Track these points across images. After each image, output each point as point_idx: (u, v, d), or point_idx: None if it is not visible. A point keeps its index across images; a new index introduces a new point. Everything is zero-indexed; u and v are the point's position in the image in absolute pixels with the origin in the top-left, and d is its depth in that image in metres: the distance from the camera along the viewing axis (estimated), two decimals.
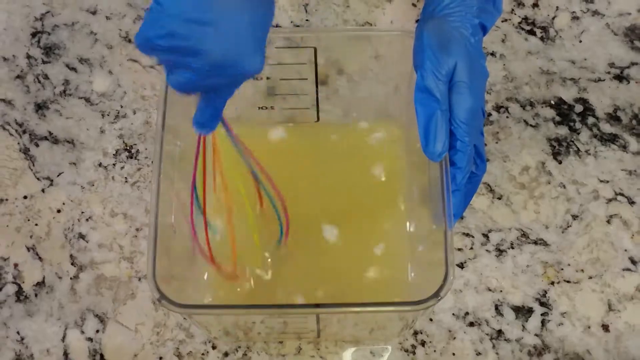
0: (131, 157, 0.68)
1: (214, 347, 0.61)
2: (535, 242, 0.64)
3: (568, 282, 0.63)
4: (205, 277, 0.60)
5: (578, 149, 0.68)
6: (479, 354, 0.61)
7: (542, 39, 0.73)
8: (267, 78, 0.61)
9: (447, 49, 0.51)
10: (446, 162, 0.51)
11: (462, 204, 0.54)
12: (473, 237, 0.65)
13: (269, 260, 0.60)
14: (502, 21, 0.74)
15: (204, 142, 0.49)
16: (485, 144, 0.68)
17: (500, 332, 0.62)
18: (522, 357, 0.61)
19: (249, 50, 0.41)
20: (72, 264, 0.64)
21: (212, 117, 0.46)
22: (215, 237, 0.55)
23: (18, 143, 0.69)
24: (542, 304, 0.62)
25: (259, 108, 0.63)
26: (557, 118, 0.69)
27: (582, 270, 0.64)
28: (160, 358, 0.61)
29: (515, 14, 0.74)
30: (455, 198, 0.52)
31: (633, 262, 0.64)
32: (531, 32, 0.73)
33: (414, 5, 0.75)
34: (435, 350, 0.61)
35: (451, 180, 0.51)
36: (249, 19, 0.41)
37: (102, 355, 0.61)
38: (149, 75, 0.71)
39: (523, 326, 0.62)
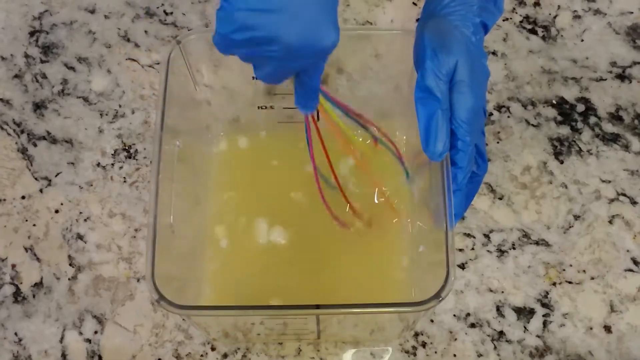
0: (130, 157, 0.68)
1: (213, 349, 0.61)
2: (537, 243, 0.64)
3: (570, 282, 0.63)
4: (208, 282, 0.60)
5: (580, 148, 0.68)
6: (480, 355, 0.61)
7: (543, 38, 0.73)
8: None
9: (447, 48, 0.50)
10: (447, 162, 0.51)
11: (463, 204, 0.54)
12: (474, 237, 0.64)
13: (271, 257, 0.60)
14: (504, 20, 0.73)
15: (314, 119, 0.52)
16: (487, 144, 0.67)
17: (501, 333, 0.61)
18: (523, 359, 0.61)
19: (322, 26, 0.41)
20: (70, 264, 0.64)
21: (310, 95, 0.47)
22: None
23: (16, 143, 0.68)
24: (543, 305, 0.62)
25: (259, 108, 0.63)
26: (559, 118, 0.69)
27: (584, 271, 0.63)
28: (159, 359, 0.61)
29: (516, 13, 0.74)
30: (456, 198, 0.52)
31: (635, 262, 0.64)
32: (533, 31, 0.73)
33: (414, 4, 0.75)
34: (436, 352, 0.61)
35: (452, 180, 0.51)
36: None
37: (100, 357, 0.61)
38: (147, 74, 0.71)
39: (525, 327, 0.61)
